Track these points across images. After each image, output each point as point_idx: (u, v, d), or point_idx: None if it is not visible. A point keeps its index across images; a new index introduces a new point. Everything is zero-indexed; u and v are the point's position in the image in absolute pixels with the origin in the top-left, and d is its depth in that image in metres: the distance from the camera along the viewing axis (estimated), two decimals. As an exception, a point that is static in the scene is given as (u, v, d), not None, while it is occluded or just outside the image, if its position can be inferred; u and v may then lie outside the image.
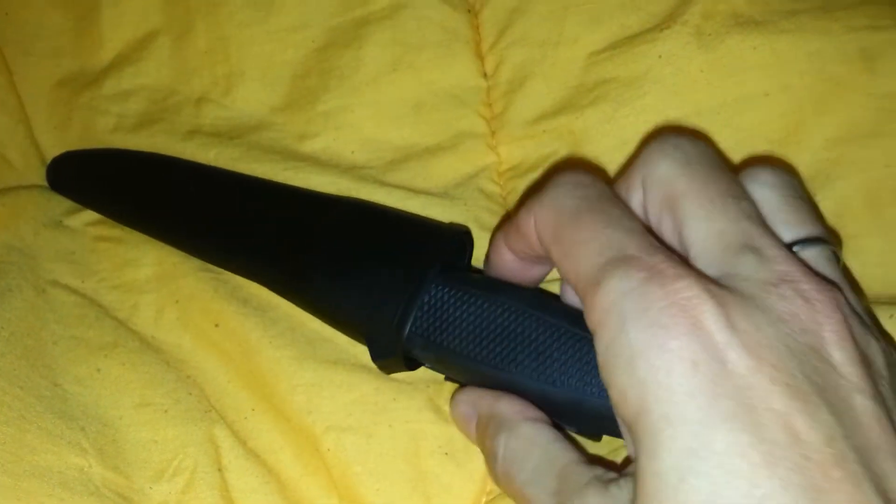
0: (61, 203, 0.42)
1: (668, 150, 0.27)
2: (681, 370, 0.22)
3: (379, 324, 0.33)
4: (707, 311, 0.22)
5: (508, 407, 0.30)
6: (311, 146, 0.42)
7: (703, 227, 0.26)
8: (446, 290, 0.32)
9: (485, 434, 0.30)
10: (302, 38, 0.44)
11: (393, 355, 0.33)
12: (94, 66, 0.46)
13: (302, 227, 0.36)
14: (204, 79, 0.45)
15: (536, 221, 0.28)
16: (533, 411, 0.29)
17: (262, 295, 0.38)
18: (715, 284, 0.24)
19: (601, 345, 0.24)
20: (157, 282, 0.39)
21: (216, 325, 0.37)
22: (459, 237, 0.36)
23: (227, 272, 0.39)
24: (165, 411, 0.35)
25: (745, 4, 0.39)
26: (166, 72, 0.45)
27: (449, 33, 0.43)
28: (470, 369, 0.31)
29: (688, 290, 0.23)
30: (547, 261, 0.30)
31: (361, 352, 0.36)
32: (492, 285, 0.32)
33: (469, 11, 0.44)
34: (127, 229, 0.41)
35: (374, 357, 0.34)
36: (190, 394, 0.35)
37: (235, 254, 0.38)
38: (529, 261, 0.31)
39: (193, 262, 0.39)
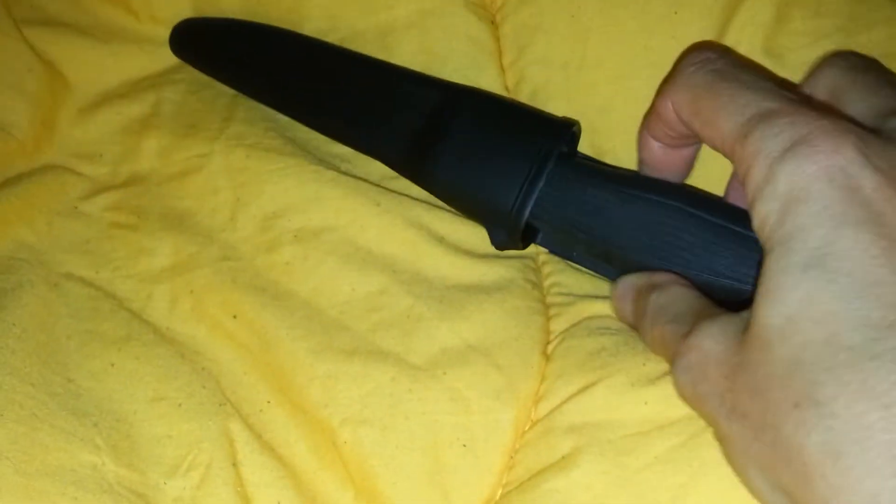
0: (75, 187, 0.42)
1: (837, 61, 0.30)
2: (818, 188, 0.24)
3: (497, 210, 0.35)
4: (847, 141, 0.25)
5: (662, 275, 0.32)
6: (342, 148, 0.42)
7: (860, 105, 0.28)
8: (569, 172, 0.34)
9: (640, 298, 0.32)
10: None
11: (510, 243, 0.36)
12: (134, 60, 0.46)
13: (432, 115, 0.38)
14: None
15: (673, 103, 0.31)
16: (684, 280, 0.32)
17: (281, 282, 0.37)
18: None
19: (750, 187, 0.26)
20: (172, 271, 0.38)
21: (234, 317, 0.36)
22: (572, 127, 0.37)
23: (245, 259, 0.38)
24: (179, 405, 0.34)
25: (773, 29, 0.38)
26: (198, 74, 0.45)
27: (474, 43, 0.42)
28: (612, 254, 0.34)
29: (830, 126, 0.25)
30: (692, 140, 0.33)
31: (379, 338, 0.35)
32: (618, 171, 0.35)
33: (492, 23, 0.43)
34: (142, 216, 0.40)
35: (494, 243, 0.37)
36: (204, 387, 0.35)
37: (362, 132, 0.40)
38: (674, 145, 0.34)
39: (211, 252, 0.38)
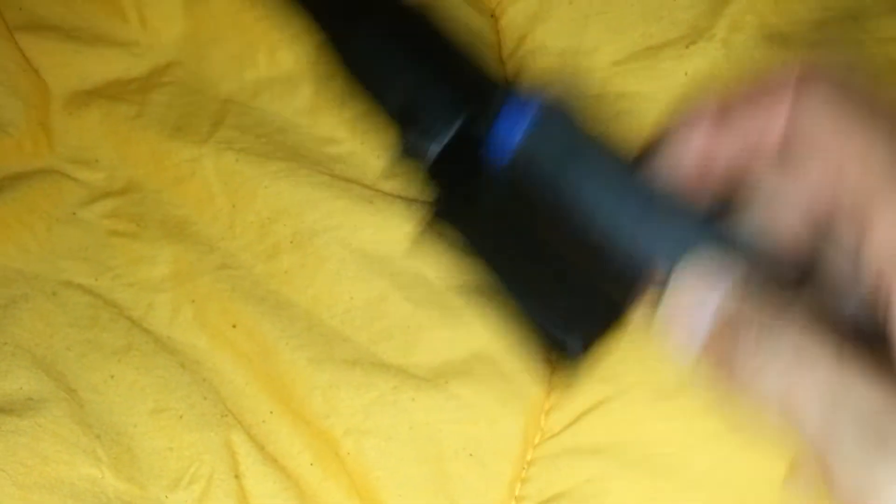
0: (73, 192, 0.41)
1: None
2: None
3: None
4: None
5: None
6: (337, 149, 0.41)
7: None
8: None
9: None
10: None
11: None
12: (120, 62, 0.45)
13: None
14: (232, 82, 0.43)
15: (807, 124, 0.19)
16: None
17: (281, 291, 0.37)
18: None
19: None
20: (173, 280, 0.38)
21: (233, 326, 0.36)
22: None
23: (245, 268, 0.38)
24: (180, 417, 0.34)
25: (773, 14, 0.38)
26: (194, 76, 0.44)
27: (474, 36, 0.42)
28: None
29: None
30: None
31: (381, 350, 0.35)
32: None
33: (492, 16, 0.42)
34: (142, 224, 0.40)
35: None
36: (205, 398, 0.34)
37: None
38: (717, 176, 0.21)
39: (211, 261, 0.38)
